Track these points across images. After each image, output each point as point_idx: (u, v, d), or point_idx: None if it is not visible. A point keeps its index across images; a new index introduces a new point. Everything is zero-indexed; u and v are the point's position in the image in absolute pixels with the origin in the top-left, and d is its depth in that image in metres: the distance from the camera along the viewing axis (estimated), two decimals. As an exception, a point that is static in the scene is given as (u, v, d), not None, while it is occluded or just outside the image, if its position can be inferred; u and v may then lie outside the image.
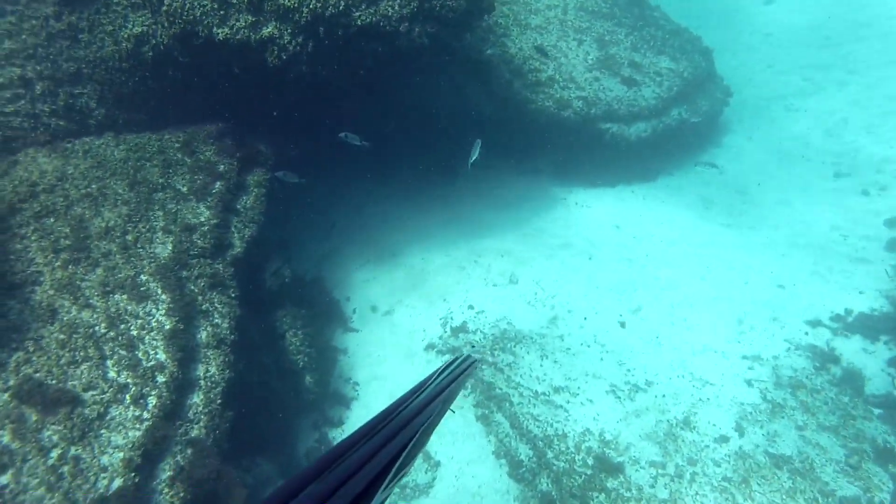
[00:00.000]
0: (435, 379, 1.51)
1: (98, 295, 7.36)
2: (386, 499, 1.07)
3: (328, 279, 12.42)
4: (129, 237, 7.96)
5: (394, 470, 1.11)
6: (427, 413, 1.29)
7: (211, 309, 7.92)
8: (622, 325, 11.09)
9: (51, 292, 7.28)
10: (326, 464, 1.03)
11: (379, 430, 1.19)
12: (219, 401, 7.36)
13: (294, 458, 9.92)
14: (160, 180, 8.67)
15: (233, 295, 8.20)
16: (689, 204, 14.55)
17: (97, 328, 7.13)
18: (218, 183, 9.00)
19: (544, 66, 13.65)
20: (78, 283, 7.41)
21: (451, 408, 1.51)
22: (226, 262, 8.38)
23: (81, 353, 6.90)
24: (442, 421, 1.45)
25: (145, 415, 6.75)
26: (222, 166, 9.16)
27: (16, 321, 7.06)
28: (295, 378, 9.69)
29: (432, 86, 12.93)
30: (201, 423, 7.14)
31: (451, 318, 11.46)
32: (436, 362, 10.94)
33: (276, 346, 9.60)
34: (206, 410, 7.22)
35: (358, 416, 10.35)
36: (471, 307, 11.62)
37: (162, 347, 7.20)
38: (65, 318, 7.11)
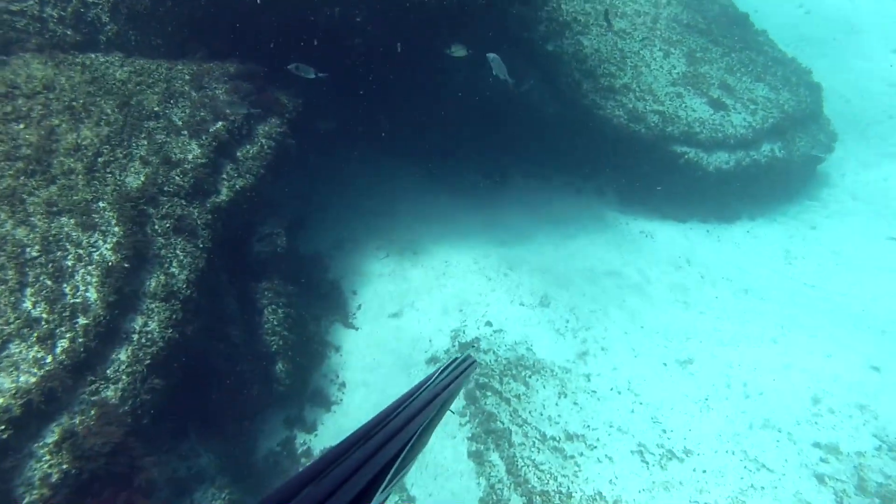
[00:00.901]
0: (434, 379, 1.47)
1: (42, 213, 6.27)
2: (384, 501, 1.04)
3: (336, 266, 11.09)
4: (100, 159, 6.90)
5: (391, 472, 1.08)
6: (426, 414, 1.27)
7: (170, 256, 6.70)
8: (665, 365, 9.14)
9: (-12, 200, 6.25)
10: (324, 465, 1.00)
11: (377, 431, 1.16)
12: (147, 361, 6.05)
13: (250, 457, 8.49)
14: (156, 108, 7.65)
15: (201, 246, 6.96)
16: (770, 255, 12.39)
17: (28, 250, 6.01)
18: (220, 123, 7.89)
19: (620, 71, 12.06)
20: (24, 195, 6.36)
21: (451, 408, 1.56)
22: (203, 209, 7.17)
23: (-1, 274, 5.78)
24: (440, 422, 1.42)
25: (48, 359, 5.50)
26: (230, 108, 8.06)
27: (-60, 224, 6.06)
28: (266, 363, 8.31)
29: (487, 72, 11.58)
30: (119, 385, 5.83)
31: (464, 332, 9.84)
32: (436, 378, 9.29)
33: (252, 321, 8.27)
34: (130, 371, 5.92)
35: (336, 424, 8.83)
36: (489, 324, 9.96)
37: (95, 285, 5.99)
38: (-6, 232, 6.04)
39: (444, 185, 12.85)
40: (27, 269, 5.91)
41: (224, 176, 7.67)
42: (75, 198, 6.48)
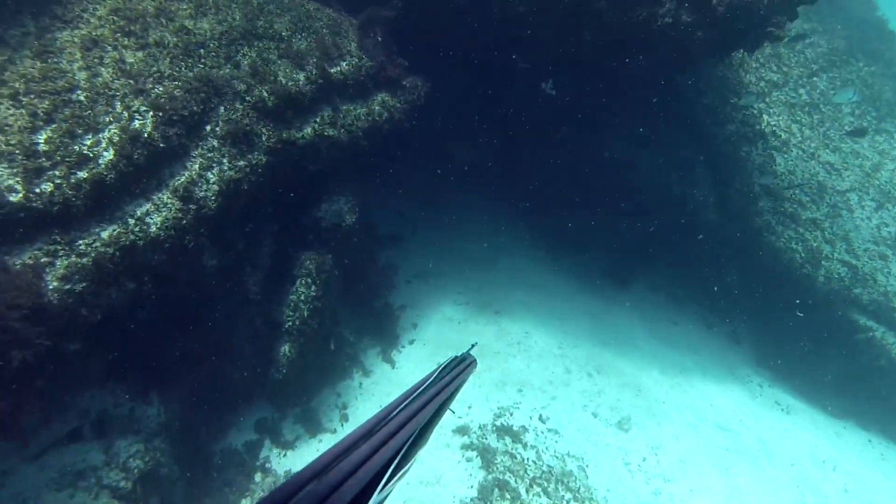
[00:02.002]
0: (434, 379, 1.47)
1: (112, 69, 5.68)
2: (385, 499, 1.05)
3: (407, 292, 9.71)
4: (201, 50, 6.33)
5: (390, 469, 1.09)
6: (426, 413, 1.27)
7: (213, 161, 5.76)
8: None
9: (74, 37, 5.81)
10: (326, 463, 1.01)
11: (378, 429, 1.17)
12: (128, 253, 4.97)
13: (208, 439, 7.01)
14: (284, 33, 7.08)
15: (252, 166, 5.97)
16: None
17: (77, 93, 5.38)
18: (337, 68, 7.13)
19: (813, 204, 9.85)
20: (107, 47, 5.86)
21: (451, 408, 1.49)
22: (275, 134, 6.25)
23: (33, 100, 5.14)
24: (440, 422, 1.40)
25: (19, 192, 4.61)
26: (348, 61, 7.31)
27: (20, 36, 5.67)
28: (270, 341, 6.95)
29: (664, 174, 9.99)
30: (83, 261, 4.77)
31: (510, 415, 7.79)
32: (454, 453, 7.30)
33: (279, 286, 7.04)
34: (103, 252, 4.86)
35: (310, 456, 7.13)
36: (543, 419, 7.82)
37: (115, 147, 5.14)
38: (57, 63, 5.51)
39: (558, 264, 11.13)
40: (63, 108, 5.23)
41: (316, 118, 6.78)
42: (153, 68, 5.86)
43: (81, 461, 5.40)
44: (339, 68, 7.12)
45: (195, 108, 5.76)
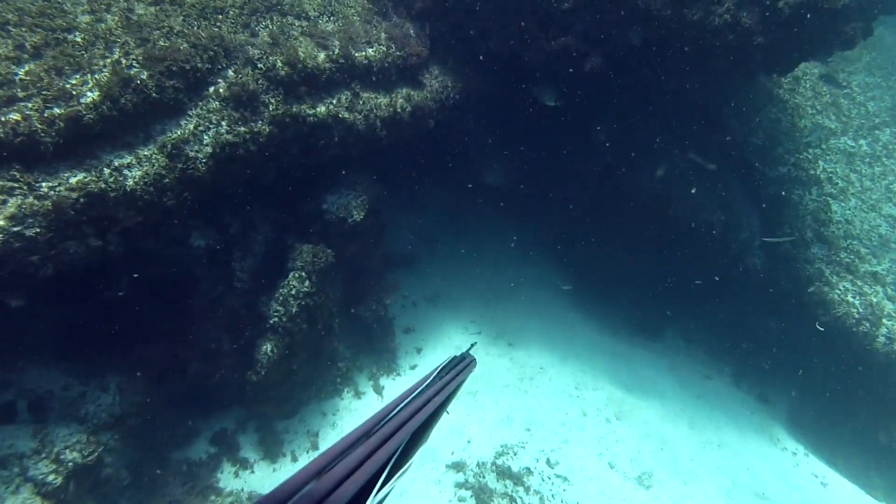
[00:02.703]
0: (433, 378, 1.46)
1: (118, 17, 5.28)
2: (384, 498, 1.04)
3: (413, 315, 8.96)
4: (219, 15, 5.93)
5: (387, 469, 1.07)
6: (425, 412, 1.26)
7: (210, 123, 5.24)
8: None
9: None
10: (327, 461, 1.00)
11: (379, 428, 1.15)
12: (96, 201, 4.39)
13: (162, 445, 6.23)
14: (311, 13, 6.69)
15: (253, 133, 5.43)
16: None
17: (74, 33, 4.96)
18: (363, 53, 6.66)
19: (873, 257, 8.91)
20: (118, -4, 5.49)
21: (447, 410, 1.46)
22: (283, 105, 5.72)
23: (24, 32, 4.72)
24: (439, 421, 1.38)
25: None
26: (375, 48, 6.85)
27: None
28: (253, 337, 6.23)
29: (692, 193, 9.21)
30: (39, 203, 4.21)
31: (514, 456, 6.85)
32: (445, 490, 6.36)
33: (269, 277, 6.37)
34: (66, 197, 4.30)
35: (263, 482, 6.30)
36: (551, 464, 6.85)
37: (101, 89, 4.65)
38: (60, 3, 5.12)
39: (584, 300, 10.25)
40: (55, 45, 4.80)
41: (332, 99, 6.26)
42: (163, 23, 5.44)
43: (7, 446, 4.68)
44: (364, 53, 6.65)
45: (200, 64, 5.29)
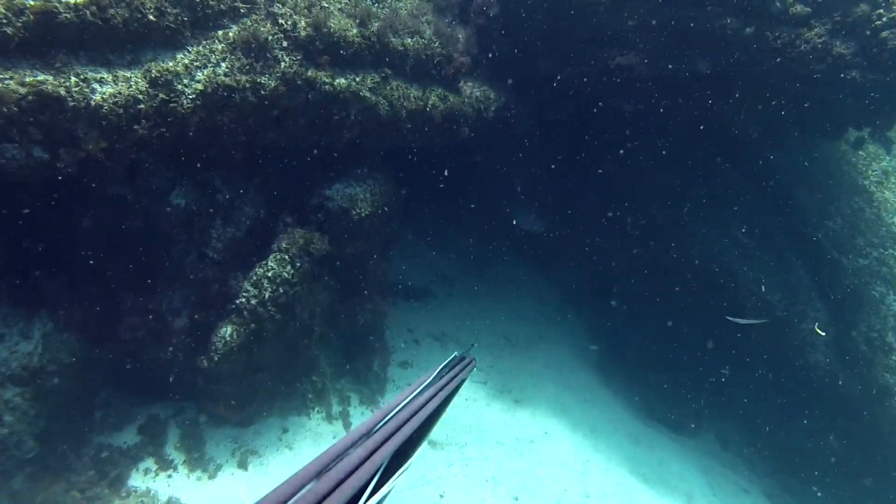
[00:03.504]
0: (433, 378, 1.45)
1: None
2: (384, 498, 1.04)
3: (415, 352, 8.02)
4: None
5: (383, 469, 1.07)
6: (425, 412, 1.26)
7: (209, 60, 4.73)
8: None
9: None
10: (325, 462, 1.00)
11: (378, 428, 1.15)
12: (31, 97, 3.85)
13: (93, 435, 5.41)
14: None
15: (251, 81, 4.88)
16: None
17: None
18: (397, 40, 6.16)
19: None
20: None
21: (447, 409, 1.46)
22: (294, 62, 5.19)
23: None
24: (439, 421, 1.39)
25: None
26: (415, 40, 6.35)
27: None
28: (216, 318, 5.45)
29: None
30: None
31: (492, 522, 5.61)
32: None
33: (249, 262, 5.65)
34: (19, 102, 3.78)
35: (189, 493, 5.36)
36: None
37: (93, -2, 4.21)
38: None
39: (609, 372, 9.01)
40: None
41: (356, 76, 5.71)
42: None
43: None
44: (401, 40, 6.15)
45: (213, 1, 4.85)
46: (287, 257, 5.53)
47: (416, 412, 1.28)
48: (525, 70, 7.28)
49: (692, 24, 5.73)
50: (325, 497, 0.93)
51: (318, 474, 0.99)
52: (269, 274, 5.41)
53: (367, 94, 5.69)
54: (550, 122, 7.85)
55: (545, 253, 9.95)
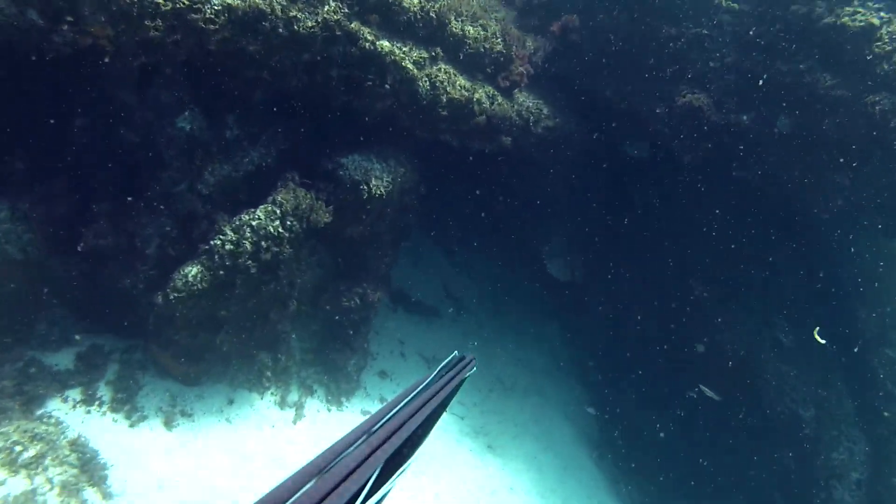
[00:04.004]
0: (433, 378, 1.44)
1: None
2: (384, 498, 1.04)
3: (393, 363, 7.40)
4: None
5: (388, 469, 1.05)
6: (425, 412, 1.24)
7: (248, -18, 4.41)
8: None
9: None
10: (325, 462, 0.97)
11: (378, 427, 1.13)
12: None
13: (25, 347, 5.00)
14: None
15: (286, 11, 4.52)
16: None
17: None
18: (457, 24, 5.76)
19: None
20: None
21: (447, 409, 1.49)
22: (340, 8, 4.83)
23: None
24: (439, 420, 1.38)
25: None
26: (476, 30, 5.94)
27: None
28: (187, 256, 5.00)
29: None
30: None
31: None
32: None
33: (239, 209, 5.22)
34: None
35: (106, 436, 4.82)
36: None
37: None
38: None
39: (607, 445, 8.07)
40: None
41: (404, 45, 5.31)
42: None
43: None
44: (461, 25, 5.75)
45: (270, -75, 4.57)
46: (278, 212, 5.06)
47: (416, 411, 1.25)
48: (588, 95, 6.78)
49: (782, 77, 5.11)
50: (324, 497, 0.90)
51: (319, 474, 0.96)
52: (254, 223, 4.95)
53: (410, 66, 5.28)
54: (599, 156, 7.27)
55: (567, 303, 9.20)
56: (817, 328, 6.21)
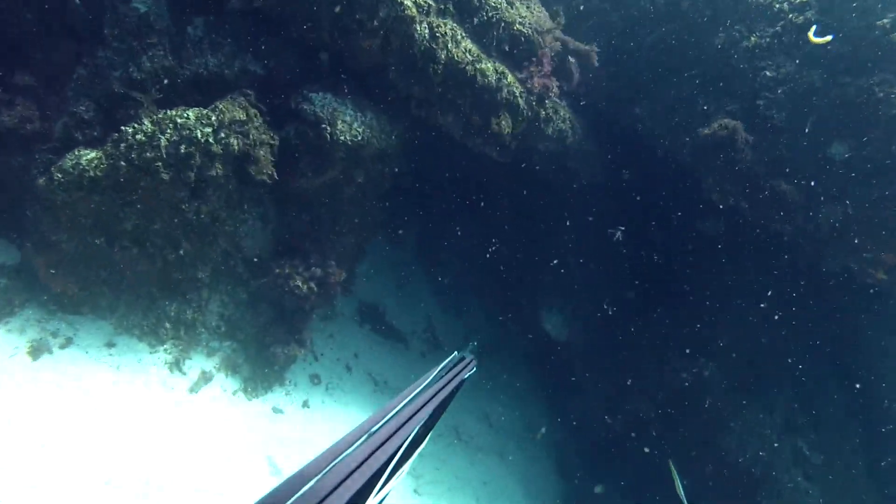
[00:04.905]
0: (433, 378, 1.43)
1: None
2: (384, 498, 1.03)
3: (338, 374, 6.30)
4: None
5: (388, 469, 1.05)
6: (426, 412, 1.24)
7: None
8: None
9: None
10: (324, 463, 0.96)
11: (378, 428, 1.12)
12: None
13: None
14: None
15: None
16: None
17: None
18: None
19: None
20: None
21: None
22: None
23: None
24: (439, 420, 1.36)
25: None
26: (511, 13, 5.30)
27: None
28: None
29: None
30: None
31: None
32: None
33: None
34: None
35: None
36: None
37: None
38: None
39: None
40: None
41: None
42: None
43: None
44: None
45: None
46: (214, 119, 4.28)
47: (416, 412, 1.22)
48: (611, 114, 6.00)
49: (841, 96, 4.20)
50: (325, 497, 0.88)
51: (319, 474, 0.93)
52: (180, 121, 4.17)
53: (409, 4, 4.62)
54: (613, 194, 6.34)
55: (557, 368, 7.89)
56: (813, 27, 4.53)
